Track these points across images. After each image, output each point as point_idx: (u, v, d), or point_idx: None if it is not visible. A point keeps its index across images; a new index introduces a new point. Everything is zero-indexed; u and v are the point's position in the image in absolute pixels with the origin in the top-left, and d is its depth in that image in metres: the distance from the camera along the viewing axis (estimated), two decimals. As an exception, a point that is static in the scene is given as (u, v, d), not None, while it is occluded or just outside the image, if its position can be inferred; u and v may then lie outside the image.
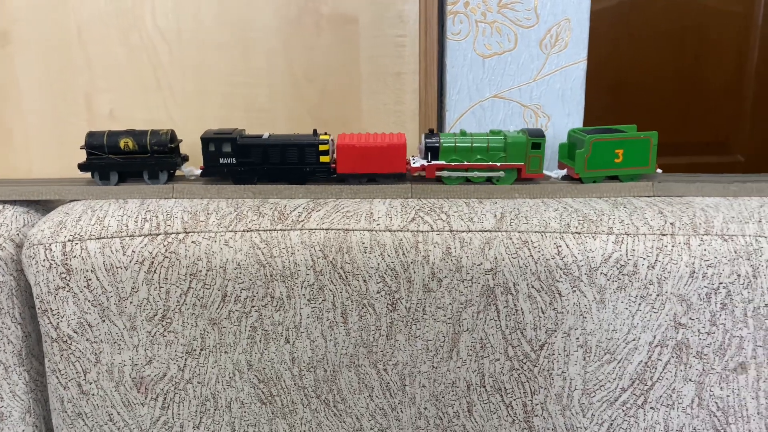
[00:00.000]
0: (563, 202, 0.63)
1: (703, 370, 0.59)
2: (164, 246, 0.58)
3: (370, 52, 0.79)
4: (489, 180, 0.66)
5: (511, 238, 0.58)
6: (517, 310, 0.58)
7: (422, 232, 0.59)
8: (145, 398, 0.62)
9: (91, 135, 0.67)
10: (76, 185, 0.67)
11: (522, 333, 0.59)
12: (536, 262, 0.57)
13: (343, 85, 0.80)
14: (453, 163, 0.65)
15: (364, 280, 0.58)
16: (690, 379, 0.60)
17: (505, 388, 0.61)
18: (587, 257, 0.57)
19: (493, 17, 0.76)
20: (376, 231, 0.59)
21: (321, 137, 0.66)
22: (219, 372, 0.61)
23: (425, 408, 0.62)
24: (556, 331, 0.59)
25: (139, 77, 0.79)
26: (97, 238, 0.59)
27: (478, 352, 0.60)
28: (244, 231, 0.59)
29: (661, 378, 0.60)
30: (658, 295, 0.58)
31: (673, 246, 0.57)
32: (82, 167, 0.67)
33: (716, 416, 0.61)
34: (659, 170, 0.67)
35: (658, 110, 1.60)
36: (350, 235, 0.58)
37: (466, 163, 0.65)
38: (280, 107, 0.80)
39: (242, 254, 0.58)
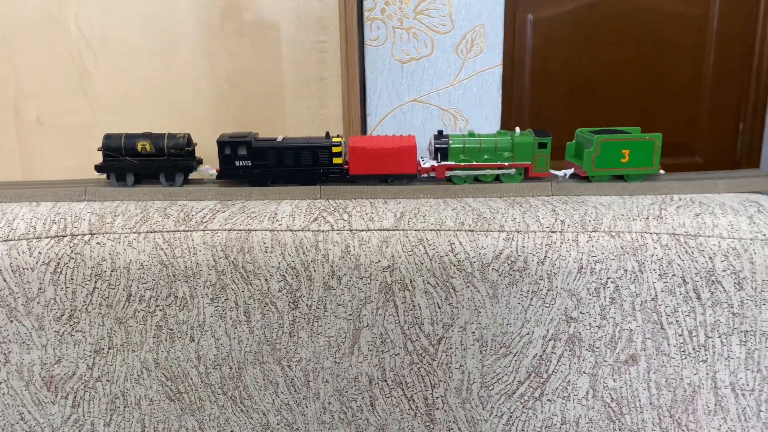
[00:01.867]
0: (463, 201, 0.65)
1: (596, 362, 0.61)
2: (70, 247, 0.60)
3: (293, 57, 0.81)
4: (497, 179, 0.68)
5: (407, 236, 0.60)
6: (414, 306, 0.60)
7: (323, 231, 0.60)
8: (56, 397, 0.63)
9: (108, 137, 0.67)
10: (-8, 189, 0.68)
11: (420, 328, 0.61)
12: (431, 259, 0.59)
13: (266, 89, 0.82)
14: (462, 163, 0.66)
15: (266, 279, 0.60)
16: (584, 372, 0.62)
17: (406, 382, 0.62)
18: (479, 254, 0.59)
19: (409, 23, 0.78)
20: (277, 231, 0.60)
21: (334, 140, 0.67)
22: (127, 370, 0.62)
23: (329, 403, 0.63)
24: (452, 325, 0.61)
25: (65, 83, 0.80)
26: (4, 240, 0.60)
27: (378, 347, 0.62)
28: (147, 232, 0.60)
29: (556, 371, 0.62)
30: (548, 290, 0.60)
31: (561, 243, 0.59)
32: (99, 169, 0.68)
33: (611, 407, 0.63)
34: (662, 171, 0.69)
35: (617, 112, 1.63)
36: (252, 236, 0.60)
37: (474, 163, 0.67)
38: (204, 111, 0.82)
39: (145, 255, 0.60)
